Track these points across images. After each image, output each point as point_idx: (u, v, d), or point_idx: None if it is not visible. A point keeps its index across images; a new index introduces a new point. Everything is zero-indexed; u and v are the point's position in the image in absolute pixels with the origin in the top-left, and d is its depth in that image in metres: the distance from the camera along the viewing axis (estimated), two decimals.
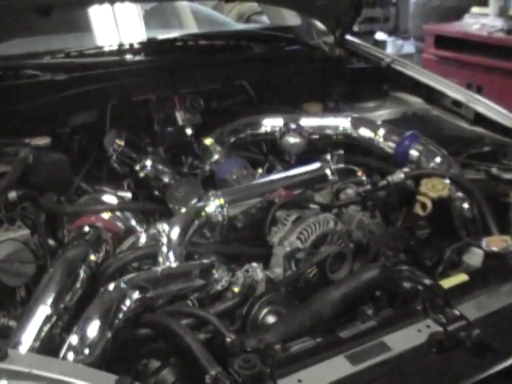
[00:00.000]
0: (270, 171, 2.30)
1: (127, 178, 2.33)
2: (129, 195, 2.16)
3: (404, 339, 1.54)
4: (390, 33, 8.79)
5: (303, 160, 2.42)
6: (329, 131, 2.50)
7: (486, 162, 2.42)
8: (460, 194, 2.18)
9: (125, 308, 1.56)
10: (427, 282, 1.67)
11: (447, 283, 1.69)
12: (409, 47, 8.08)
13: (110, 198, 2.12)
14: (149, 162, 2.34)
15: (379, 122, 2.47)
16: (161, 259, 1.79)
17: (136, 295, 1.58)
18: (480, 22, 5.08)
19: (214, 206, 1.90)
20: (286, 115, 2.53)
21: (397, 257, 1.83)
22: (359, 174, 2.24)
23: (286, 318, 1.67)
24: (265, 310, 1.71)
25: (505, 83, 4.90)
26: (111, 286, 1.58)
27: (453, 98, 2.74)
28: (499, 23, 4.94)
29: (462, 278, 1.73)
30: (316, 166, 2.15)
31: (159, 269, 1.69)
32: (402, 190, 2.13)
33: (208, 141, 2.34)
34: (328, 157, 2.28)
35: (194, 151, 2.48)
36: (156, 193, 2.35)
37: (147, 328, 1.60)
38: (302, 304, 1.72)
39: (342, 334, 1.55)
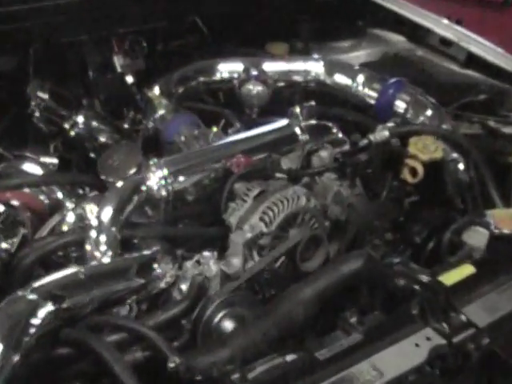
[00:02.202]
0: (226, 128, 1.90)
1: (55, 139, 1.92)
2: (54, 161, 1.76)
3: (398, 358, 1.21)
4: None
5: (267, 112, 2.05)
6: (297, 77, 2.11)
7: (481, 113, 2.06)
8: (455, 155, 1.83)
9: (36, 323, 1.19)
10: (425, 278, 1.33)
11: (449, 278, 1.35)
12: None
13: (31, 167, 1.72)
14: (81, 119, 1.94)
15: (357, 67, 2.08)
16: (88, 247, 1.42)
17: (49, 307, 1.21)
18: None
19: (155, 178, 1.52)
20: (246, 58, 2.11)
21: (386, 245, 1.46)
22: (334, 130, 1.86)
23: (247, 327, 1.32)
24: (220, 314, 1.36)
25: (485, 16, 4.50)
26: (16, 297, 1.20)
27: (441, 36, 2.35)
28: None
29: (467, 270, 1.39)
30: (283, 123, 1.77)
31: (82, 269, 1.30)
32: (386, 152, 1.76)
33: (151, 92, 1.92)
34: (297, 109, 1.90)
35: (137, 103, 2.07)
36: (92, 155, 1.96)
37: (67, 346, 1.24)
38: (267, 305, 1.37)
39: (318, 355, 1.20)
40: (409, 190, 1.77)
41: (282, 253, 1.45)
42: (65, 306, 1.23)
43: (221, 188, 1.59)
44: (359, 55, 2.35)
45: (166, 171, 1.53)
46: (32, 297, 1.20)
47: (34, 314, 1.19)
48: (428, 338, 1.23)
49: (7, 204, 1.58)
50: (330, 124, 1.87)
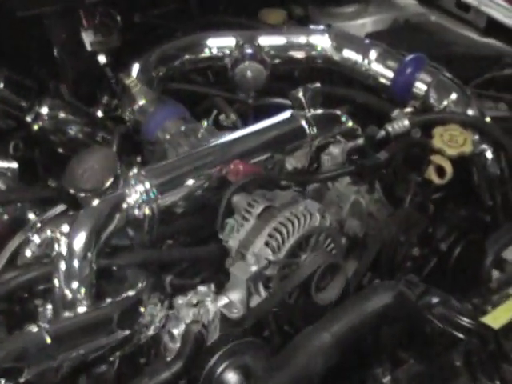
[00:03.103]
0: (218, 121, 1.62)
1: (14, 137, 1.63)
2: (13, 166, 1.48)
3: None
4: None
5: (263, 93, 1.77)
6: (299, 54, 1.81)
7: (505, 91, 1.83)
8: (484, 146, 1.58)
9: None
10: (469, 322, 1.08)
11: (497, 318, 1.11)
12: None
13: None
14: (45, 110, 1.64)
15: (368, 41, 1.79)
16: (57, 282, 1.15)
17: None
18: None
19: (136, 194, 1.25)
20: (239, 32, 1.81)
21: (422, 284, 1.20)
22: (343, 119, 1.59)
23: None
24: (222, 366, 1.12)
25: None
26: None
27: None
28: None
29: None
30: (286, 115, 1.49)
31: (47, 325, 1.04)
32: (407, 146, 1.51)
33: (128, 78, 1.62)
34: (299, 93, 1.63)
35: (111, 87, 1.77)
36: (60, 150, 1.68)
37: None
38: (278, 355, 1.12)
39: None
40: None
41: (295, 287, 1.20)
42: (23, 379, 0.97)
43: (214, 199, 1.33)
44: (365, 23, 2.06)
45: (148, 185, 1.26)
46: None
47: None
48: None
49: None
50: (338, 112, 1.60)
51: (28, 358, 0.99)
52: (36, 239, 1.29)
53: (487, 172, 1.59)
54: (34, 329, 1.03)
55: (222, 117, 1.66)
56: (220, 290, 1.24)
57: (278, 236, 1.22)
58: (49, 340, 1.01)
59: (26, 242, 1.30)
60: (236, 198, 1.29)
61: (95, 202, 1.22)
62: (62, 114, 1.66)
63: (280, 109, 1.73)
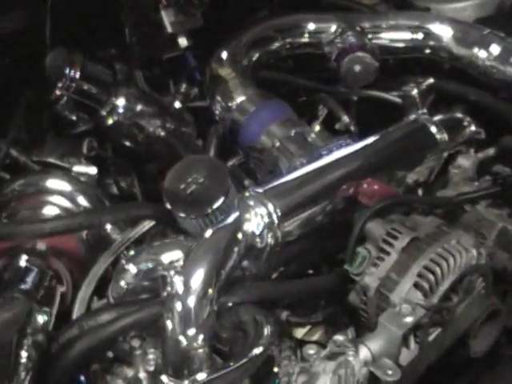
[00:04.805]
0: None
1: (87, 135, 1.41)
2: (92, 171, 1.27)
3: None
4: None
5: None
6: (408, 42, 1.56)
7: None
8: None
9: None
10: None
11: None
12: None
13: (59, 184, 1.23)
14: (122, 101, 1.41)
15: (488, 31, 1.55)
16: (170, 324, 0.94)
17: None
18: None
19: (257, 218, 1.04)
20: (341, 15, 1.56)
21: None
22: (465, 123, 1.38)
23: None
24: None
25: None
26: None
27: None
28: None
29: None
30: (411, 120, 1.28)
31: None
32: None
33: (224, 69, 1.38)
34: (414, 91, 1.42)
35: (192, 74, 1.54)
36: (133, 147, 1.47)
37: None
38: None
39: None
40: None
41: (453, 341, 1.00)
42: None
43: (335, 222, 1.13)
44: (466, 6, 1.80)
45: (271, 207, 1.04)
46: None
47: None
48: None
49: (33, 251, 1.11)
50: (460, 115, 1.40)
51: None
52: (132, 268, 1.09)
53: None
54: None
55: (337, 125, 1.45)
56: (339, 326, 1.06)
57: (431, 276, 1.01)
58: None
59: (121, 270, 1.10)
60: (370, 224, 1.09)
61: (210, 232, 1.01)
62: (139, 106, 1.43)
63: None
